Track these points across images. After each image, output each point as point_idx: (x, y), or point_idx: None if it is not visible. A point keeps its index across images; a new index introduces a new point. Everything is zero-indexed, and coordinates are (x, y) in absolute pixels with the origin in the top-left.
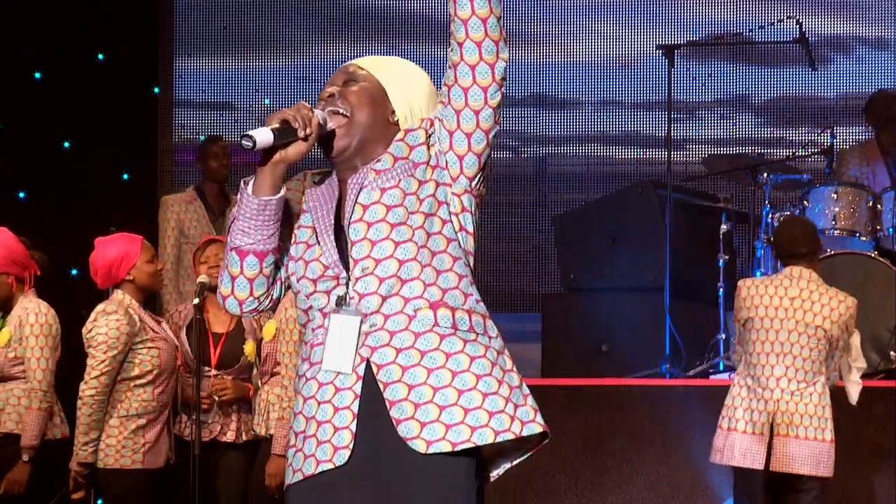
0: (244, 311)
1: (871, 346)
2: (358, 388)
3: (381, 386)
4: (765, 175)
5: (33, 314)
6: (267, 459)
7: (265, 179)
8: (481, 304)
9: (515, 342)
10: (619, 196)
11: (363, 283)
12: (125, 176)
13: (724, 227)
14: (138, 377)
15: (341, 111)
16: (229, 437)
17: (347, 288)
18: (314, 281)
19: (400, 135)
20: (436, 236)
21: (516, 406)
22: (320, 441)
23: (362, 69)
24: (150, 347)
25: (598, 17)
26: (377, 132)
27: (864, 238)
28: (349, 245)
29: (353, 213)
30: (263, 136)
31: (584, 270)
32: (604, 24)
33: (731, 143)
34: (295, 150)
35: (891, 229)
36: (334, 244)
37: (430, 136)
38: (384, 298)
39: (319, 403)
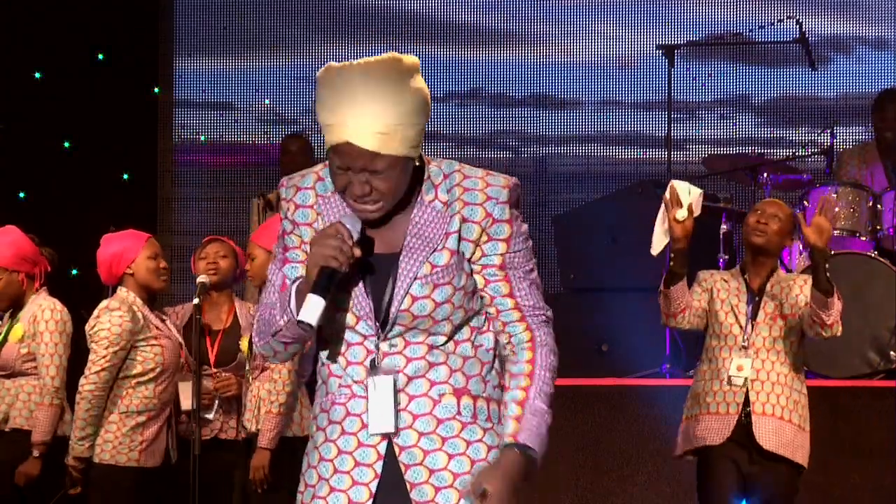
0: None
1: (871, 346)
2: (379, 466)
3: (402, 467)
4: (765, 175)
5: (48, 311)
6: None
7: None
8: (498, 389)
9: None
10: (619, 196)
11: (390, 359)
12: (125, 176)
13: (724, 227)
14: (141, 374)
15: (376, 201)
16: (230, 434)
17: (377, 350)
18: (344, 327)
19: (455, 224)
20: (463, 327)
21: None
22: None
23: (376, 154)
24: (153, 345)
25: (598, 17)
26: (403, 187)
27: (864, 238)
28: (388, 323)
29: (402, 302)
30: (317, 310)
31: (584, 270)
32: (604, 24)
33: (731, 143)
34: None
35: (891, 229)
36: (370, 302)
37: (485, 236)
38: (410, 379)
39: (336, 471)
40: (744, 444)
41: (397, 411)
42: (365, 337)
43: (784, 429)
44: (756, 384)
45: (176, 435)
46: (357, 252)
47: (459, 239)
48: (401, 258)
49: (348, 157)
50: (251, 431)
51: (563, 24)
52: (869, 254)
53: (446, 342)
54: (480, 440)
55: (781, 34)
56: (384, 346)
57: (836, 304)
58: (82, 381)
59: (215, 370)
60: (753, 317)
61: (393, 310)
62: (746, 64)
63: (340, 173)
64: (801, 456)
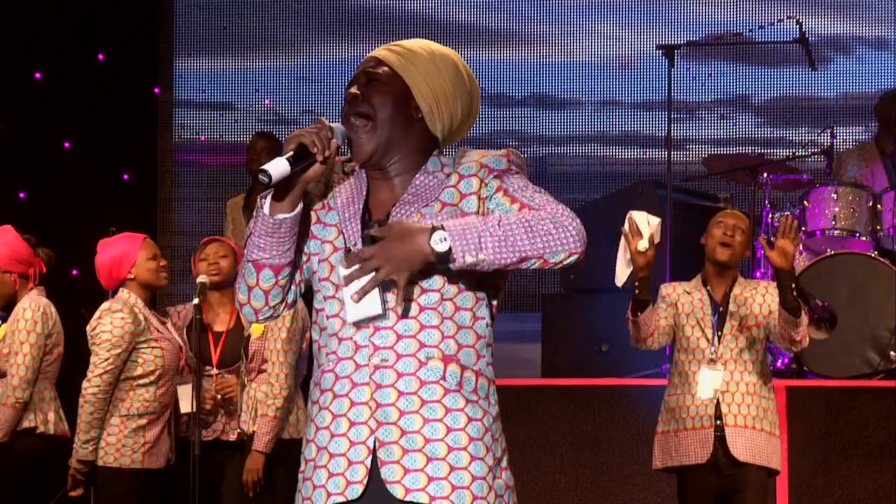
0: (259, 319)
1: (871, 346)
2: (373, 423)
3: (378, 462)
4: (765, 175)
5: (22, 309)
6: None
7: (281, 198)
8: (491, 367)
9: (515, 342)
10: (619, 196)
11: (382, 318)
12: (125, 176)
13: None
14: (141, 377)
15: (363, 112)
16: (232, 436)
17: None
18: (338, 287)
19: (453, 180)
20: (466, 293)
21: (495, 477)
22: (332, 473)
23: (385, 66)
24: (154, 347)
25: (598, 17)
26: (401, 131)
27: (864, 238)
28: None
29: None
30: (279, 168)
31: (584, 270)
32: (604, 24)
33: (731, 143)
34: (313, 171)
35: (891, 229)
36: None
37: (483, 186)
38: (399, 337)
39: (333, 435)
40: (718, 461)
41: (371, 355)
42: None
43: (756, 438)
44: (727, 396)
45: (176, 436)
46: (335, 143)
47: (460, 196)
48: (392, 211)
49: (359, 71)
50: (246, 433)
51: (563, 24)
52: (869, 254)
53: (441, 302)
54: (461, 410)
55: (781, 34)
56: (378, 320)
57: (805, 320)
58: (85, 383)
59: (217, 371)
60: (720, 329)
61: None
62: (746, 64)
63: (349, 89)
64: (774, 461)
